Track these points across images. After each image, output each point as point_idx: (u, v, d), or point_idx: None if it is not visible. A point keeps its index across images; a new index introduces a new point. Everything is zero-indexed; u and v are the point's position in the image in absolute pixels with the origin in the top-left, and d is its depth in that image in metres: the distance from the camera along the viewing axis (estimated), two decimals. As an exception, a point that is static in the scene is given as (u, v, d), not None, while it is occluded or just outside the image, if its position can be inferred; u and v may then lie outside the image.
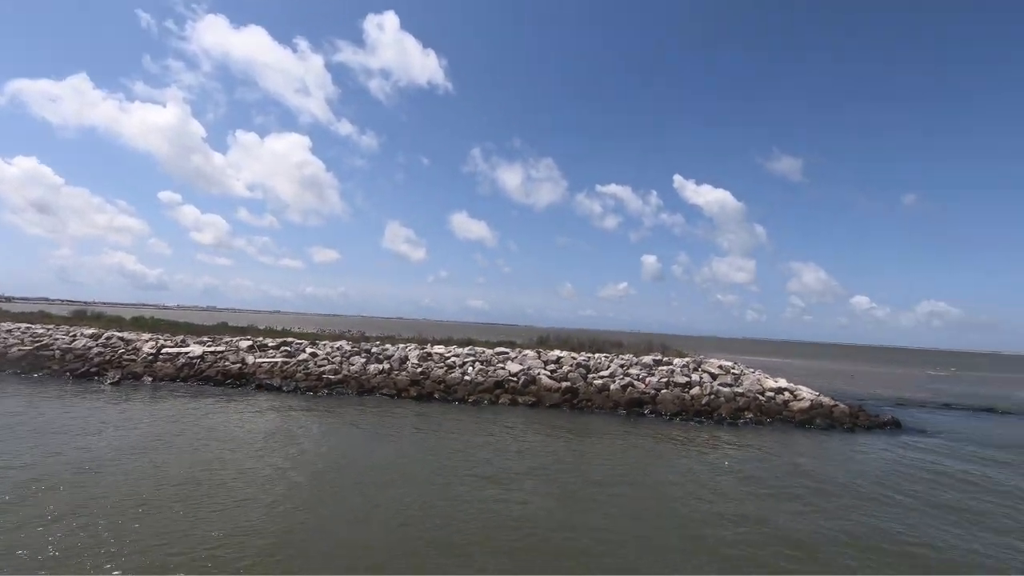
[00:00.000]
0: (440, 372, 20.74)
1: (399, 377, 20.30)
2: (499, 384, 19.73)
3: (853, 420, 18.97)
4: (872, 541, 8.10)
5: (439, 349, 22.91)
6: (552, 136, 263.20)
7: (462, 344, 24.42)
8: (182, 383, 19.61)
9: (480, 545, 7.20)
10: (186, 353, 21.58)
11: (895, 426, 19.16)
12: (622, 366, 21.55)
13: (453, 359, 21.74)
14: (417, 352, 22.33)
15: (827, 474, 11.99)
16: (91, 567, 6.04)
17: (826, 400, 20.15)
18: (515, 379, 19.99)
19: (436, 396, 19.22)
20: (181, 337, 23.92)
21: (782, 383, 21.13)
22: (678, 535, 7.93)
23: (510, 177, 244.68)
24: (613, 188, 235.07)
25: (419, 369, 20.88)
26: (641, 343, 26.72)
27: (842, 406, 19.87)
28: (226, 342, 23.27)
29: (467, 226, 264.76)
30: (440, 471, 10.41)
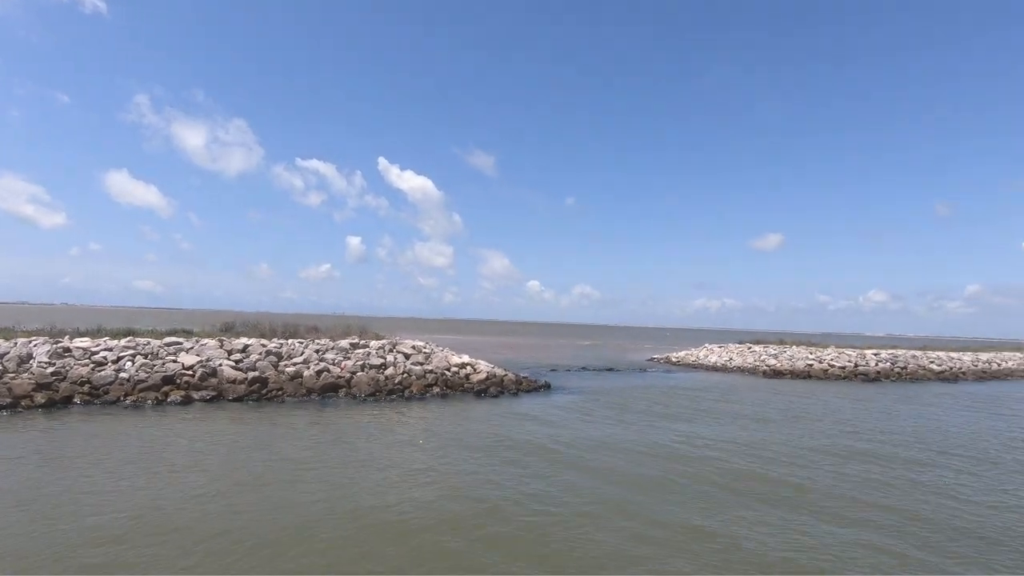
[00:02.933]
0: (84, 371, 16.86)
1: (16, 381, 15.74)
2: (169, 380, 17.14)
3: (518, 386, 22.70)
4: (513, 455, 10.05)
5: (83, 343, 18.53)
6: (246, 95, 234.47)
7: (118, 335, 20.27)
8: None
9: None
10: None
11: (547, 387, 23.73)
12: (317, 351, 21.10)
13: (104, 353, 17.89)
14: (48, 347, 17.63)
15: (490, 423, 14.18)
16: None
17: (499, 371, 23.56)
18: (190, 372, 17.63)
19: (77, 401, 15.62)
20: None
21: (465, 359, 23.80)
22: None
23: (191, 136, 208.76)
24: (316, 164, 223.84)
25: (50, 369, 16.55)
26: (340, 327, 26.51)
27: (511, 375, 23.54)
28: None
29: (130, 189, 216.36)
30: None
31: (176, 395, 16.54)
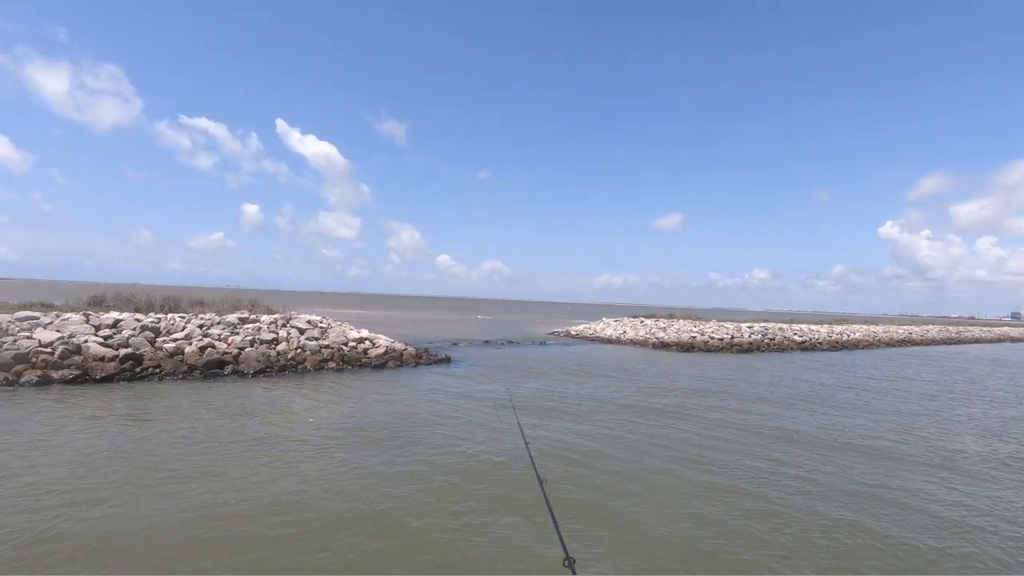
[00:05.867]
0: (-88, 349, 14.83)
1: None
2: (22, 358, 15.50)
3: (418, 359, 22.84)
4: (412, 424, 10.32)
5: (-89, 317, 16.25)
6: (120, 37, 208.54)
7: (-42, 309, 17.93)
8: None
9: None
10: None
11: (447, 360, 24.06)
12: (201, 326, 19.93)
13: (-61, 330, 15.81)
14: None
15: (384, 395, 14.30)
16: None
17: (399, 345, 23.53)
18: (48, 350, 16.04)
19: (-96, 383, 13.77)
20: None
21: (364, 333, 23.52)
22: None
23: (50, 80, 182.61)
24: (204, 123, 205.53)
25: None
26: (228, 301, 25.12)
27: (411, 349, 23.60)
28: None
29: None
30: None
31: (31, 375, 15.01)
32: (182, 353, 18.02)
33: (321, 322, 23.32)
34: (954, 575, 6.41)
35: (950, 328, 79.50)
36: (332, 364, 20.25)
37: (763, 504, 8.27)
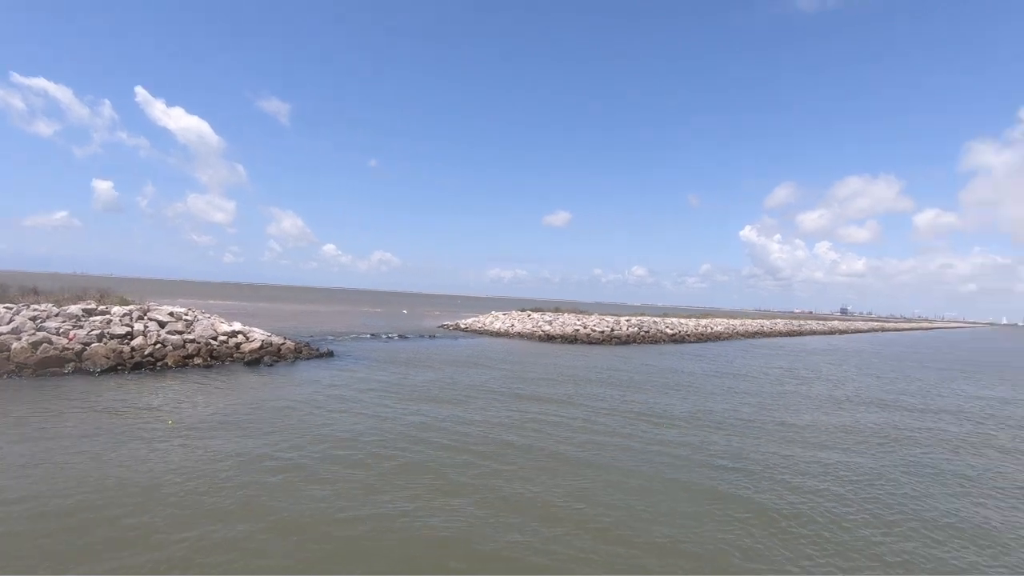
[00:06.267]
0: None
1: None
2: None
3: (297, 354, 21.52)
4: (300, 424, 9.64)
5: None
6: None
7: None
8: None
9: None
10: None
11: (330, 355, 22.92)
12: (34, 319, 17.20)
13: None
14: None
15: (257, 393, 13.29)
16: None
17: (276, 339, 22.01)
18: None
19: None
20: None
21: (236, 327, 21.71)
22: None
23: None
24: (44, 83, 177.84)
25: None
26: (71, 289, 21.92)
27: (289, 343, 22.18)
28: None
29: None
30: None
31: None
32: (8, 349, 15.44)
33: (186, 314, 21.15)
34: (799, 536, 7.25)
35: (793, 322, 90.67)
36: (198, 360, 18.45)
37: (642, 481, 8.81)
